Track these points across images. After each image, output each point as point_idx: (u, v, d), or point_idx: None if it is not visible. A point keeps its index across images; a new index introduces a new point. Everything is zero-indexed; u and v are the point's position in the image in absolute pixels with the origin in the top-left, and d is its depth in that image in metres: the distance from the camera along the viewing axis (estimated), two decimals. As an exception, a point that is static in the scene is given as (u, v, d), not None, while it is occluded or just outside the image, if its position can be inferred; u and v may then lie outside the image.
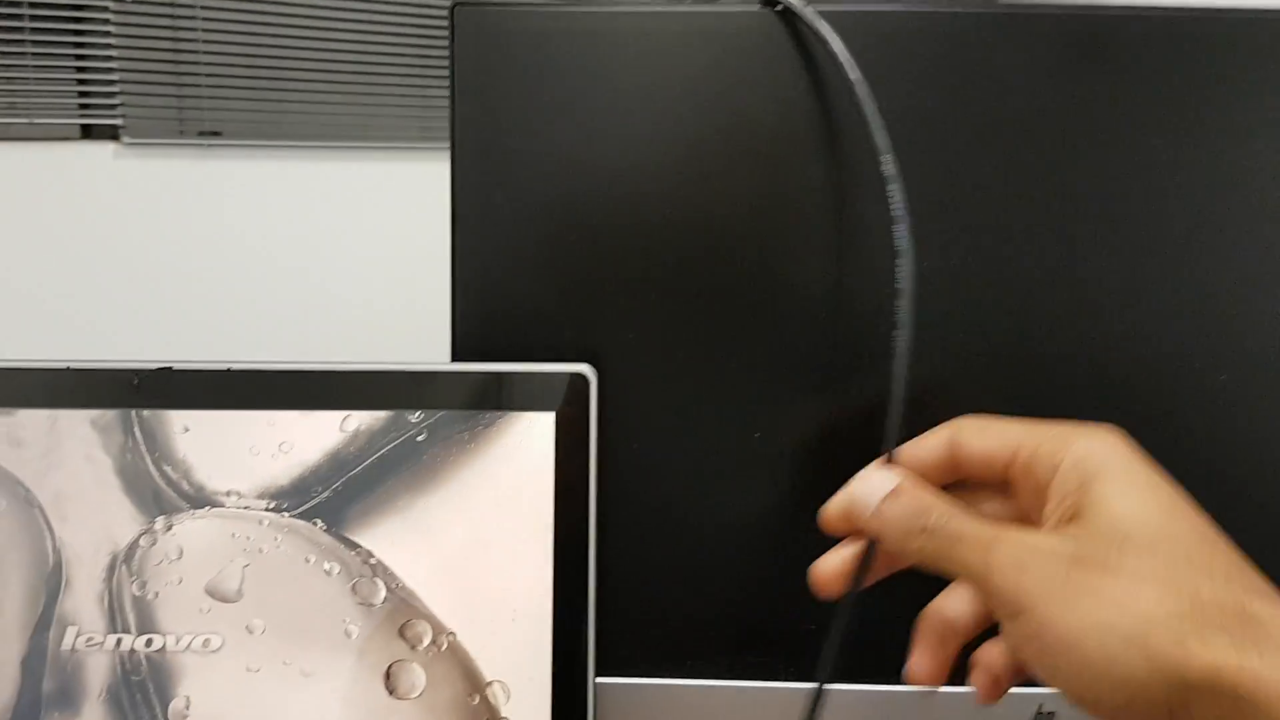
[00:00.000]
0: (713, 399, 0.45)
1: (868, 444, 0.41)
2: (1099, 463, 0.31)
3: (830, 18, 0.41)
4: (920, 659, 0.37)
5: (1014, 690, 0.44)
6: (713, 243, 0.44)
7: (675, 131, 0.44)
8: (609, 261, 0.45)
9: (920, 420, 0.36)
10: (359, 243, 2.30)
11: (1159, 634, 0.28)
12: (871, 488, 0.35)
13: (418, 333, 2.21)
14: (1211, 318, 0.44)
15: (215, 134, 2.17)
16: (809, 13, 0.41)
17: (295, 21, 2.22)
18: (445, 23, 2.04)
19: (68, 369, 0.41)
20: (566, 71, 0.44)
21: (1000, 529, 0.32)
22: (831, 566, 0.36)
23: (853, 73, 0.40)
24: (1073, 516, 0.31)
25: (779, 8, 0.42)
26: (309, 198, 2.27)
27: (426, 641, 0.41)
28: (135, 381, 0.41)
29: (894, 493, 0.34)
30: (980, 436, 0.35)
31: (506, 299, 0.45)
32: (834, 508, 0.36)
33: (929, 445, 0.36)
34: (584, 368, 0.43)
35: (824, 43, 0.41)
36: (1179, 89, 0.43)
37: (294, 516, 0.41)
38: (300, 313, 2.26)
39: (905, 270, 0.37)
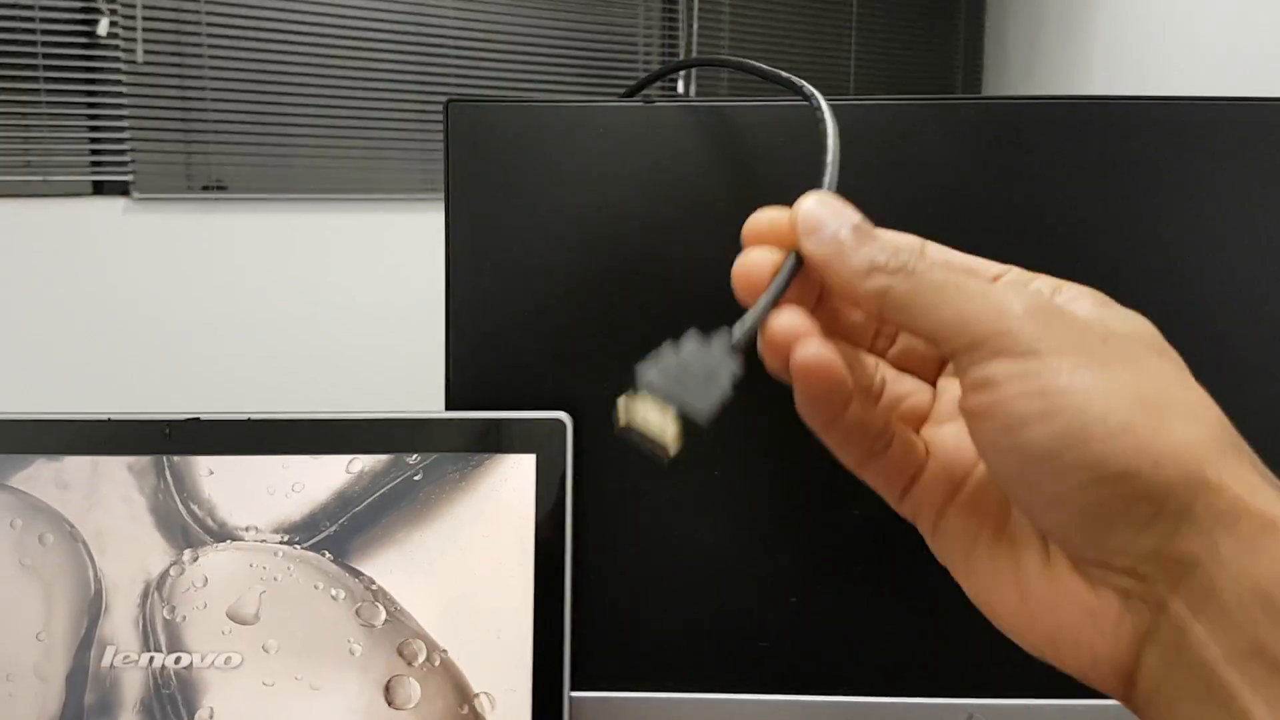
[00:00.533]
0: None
1: (815, 481, 0.46)
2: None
3: (773, 110, 0.47)
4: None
5: (944, 700, 0.50)
6: (676, 302, 0.50)
7: (641, 207, 0.49)
8: (585, 321, 0.50)
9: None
10: (363, 289, 2.35)
11: (1204, 429, 0.25)
12: (831, 209, 0.29)
13: (419, 373, 2.26)
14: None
15: (221, 187, 2.24)
16: (730, 58, 0.47)
17: (299, 77, 2.30)
18: (444, 75, 2.09)
19: (108, 420, 0.47)
20: (547, 157, 0.49)
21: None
22: (756, 264, 0.31)
23: (786, 74, 0.43)
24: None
25: (713, 64, 0.49)
26: (314, 247, 2.32)
27: (421, 658, 0.46)
28: (167, 431, 0.47)
29: (859, 225, 0.29)
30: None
31: (495, 355, 0.50)
32: (764, 220, 0.31)
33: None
34: (561, 415, 0.48)
35: (749, 69, 0.45)
36: (1082, 167, 0.49)
37: (305, 548, 0.46)
38: (306, 357, 2.31)
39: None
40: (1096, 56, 2.63)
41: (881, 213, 0.49)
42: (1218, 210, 0.48)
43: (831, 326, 0.32)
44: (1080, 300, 0.29)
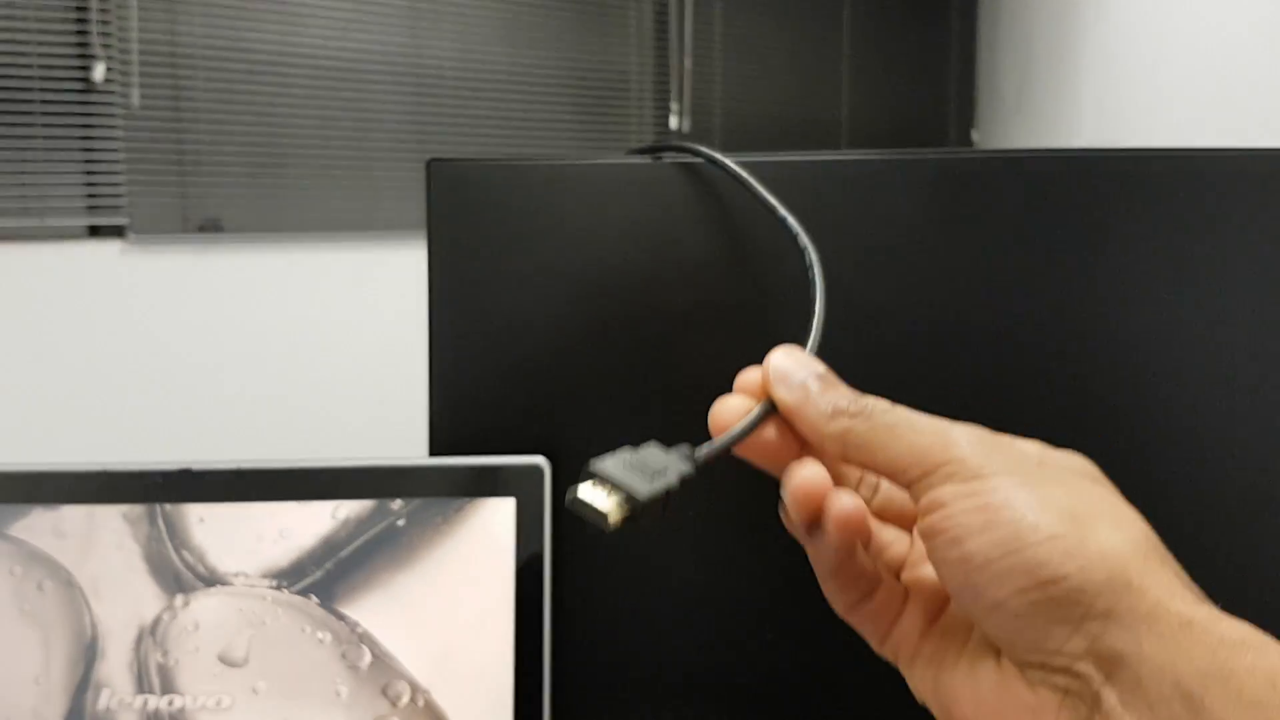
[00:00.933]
0: (653, 485, 0.52)
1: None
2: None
3: (747, 167, 0.49)
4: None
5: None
6: (651, 350, 0.52)
7: (616, 259, 0.51)
8: (563, 369, 0.52)
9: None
10: (361, 324, 2.37)
11: (1127, 537, 0.28)
12: (798, 362, 0.34)
13: (417, 412, 2.27)
14: (1077, 431, 0.52)
15: (218, 228, 2.27)
16: (730, 164, 0.49)
17: (295, 116, 2.33)
18: (439, 110, 2.12)
19: (103, 471, 0.49)
20: (525, 213, 0.51)
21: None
22: (730, 408, 0.35)
23: (768, 197, 0.46)
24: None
25: (703, 159, 0.51)
26: (311, 284, 2.34)
27: (405, 699, 0.48)
28: (159, 481, 0.49)
29: (824, 375, 0.33)
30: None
31: (476, 402, 0.52)
32: (750, 375, 0.35)
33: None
34: (539, 459, 0.50)
35: (739, 186, 0.48)
36: (1029, 217, 0.51)
37: (292, 593, 0.48)
38: (306, 394, 2.32)
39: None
40: (1085, 91, 2.67)
41: (855, 267, 0.51)
42: (1190, 260, 0.50)
43: None
44: (1026, 442, 0.33)
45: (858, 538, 0.33)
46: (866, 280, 0.51)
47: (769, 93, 2.97)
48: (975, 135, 3.23)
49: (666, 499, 0.33)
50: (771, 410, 0.34)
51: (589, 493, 0.33)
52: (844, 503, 0.32)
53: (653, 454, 0.34)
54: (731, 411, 0.35)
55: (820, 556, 0.34)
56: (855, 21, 3.05)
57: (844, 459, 0.33)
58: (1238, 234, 0.50)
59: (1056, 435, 0.50)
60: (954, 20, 3.18)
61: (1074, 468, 0.32)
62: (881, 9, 3.09)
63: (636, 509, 0.32)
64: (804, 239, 0.43)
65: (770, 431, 0.35)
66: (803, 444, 0.35)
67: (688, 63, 2.82)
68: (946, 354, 0.51)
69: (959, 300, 0.51)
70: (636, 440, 0.52)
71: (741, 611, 0.52)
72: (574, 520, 0.52)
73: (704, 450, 0.35)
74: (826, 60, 3.03)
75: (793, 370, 0.34)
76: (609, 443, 0.52)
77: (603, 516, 0.32)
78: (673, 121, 2.83)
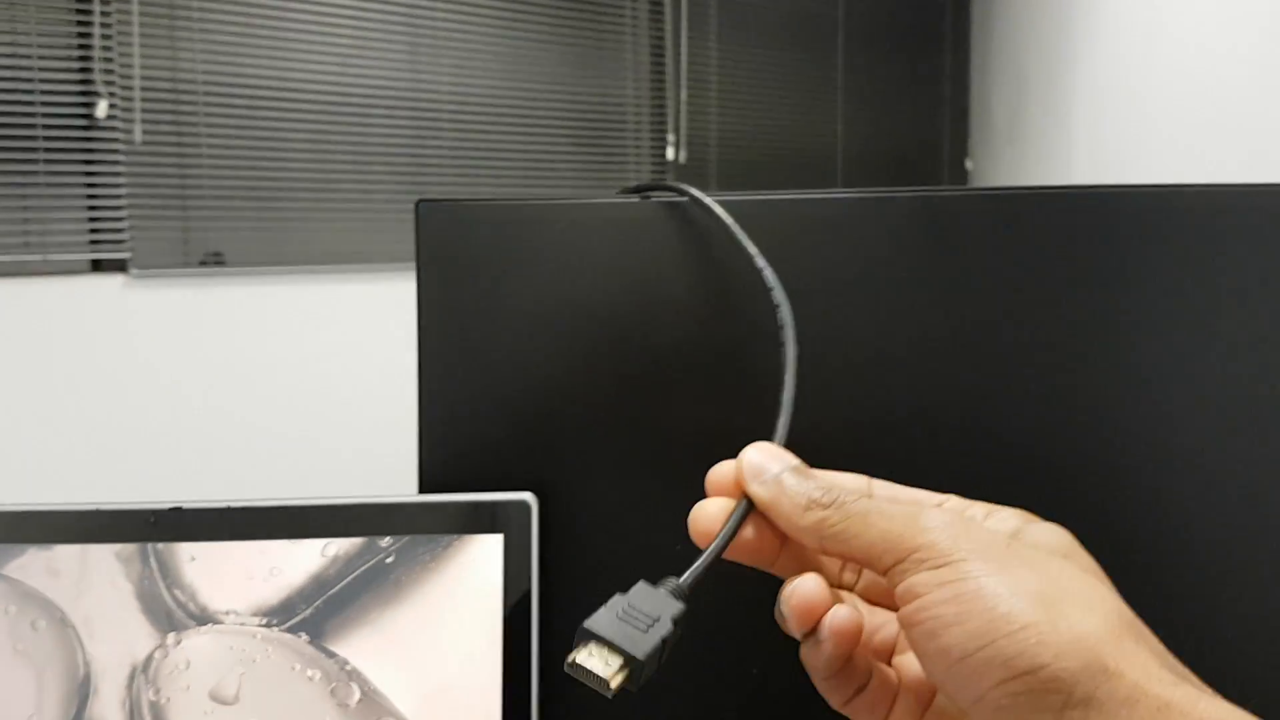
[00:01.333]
0: (640, 517, 0.53)
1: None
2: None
3: (728, 206, 0.50)
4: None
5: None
6: (640, 388, 0.52)
7: (604, 298, 0.52)
8: (551, 405, 0.53)
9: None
10: (364, 356, 2.38)
11: (1099, 620, 0.28)
12: (770, 455, 0.34)
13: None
14: (1038, 468, 0.52)
15: (219, 261, 2.28)
16: (712, 203, 0.50)
17: (295, 148, 2.35)
18: (438, 145, 2.14)
19: (97, 510, 0.49)
20: (514, 253, 0.52)
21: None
22: (708, 515, 0.35)
23: (751, 248, 0.47)
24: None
25: (686, 198, 0.52)
26: (312, 318, 2.35)
27: (395, 735, 0.48)
28: (152, 519, 0.49)
29: (797, 467, 0.34)
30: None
31: (465, 439, 0.53)
32: (723, 471, 0.36)
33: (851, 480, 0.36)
34: (526, 496, 0.50)
35: (724, 225, 0.49)
36: (1017, 256, 0.52)
37: (282, 631, 0.49)
38: (310, 427, 2.33)
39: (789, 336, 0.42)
40: (1077, 120, 2.69)
41: (841, 305, 0.52)
42: (1180, 298, 0.51)
43: (800, 565, 0.36)
44: (1007, 520, 0.33)
45: (853, 647, 0.33)
46: (852, 318, 0.52)
47: (765, 124, 2.99)
48: (969, 165, 3.25)
49: (663, 647, 0.33)
50: (749, 509, 0.35)
51: (587, 659, 0.32)
52: (840, 616, 0.33)
53: (642, 595, 0.34)
54: (710, 518, 0.35)
55: (814, 661, 0.34)
56: (849, 53, 3.08)
57: (821, 550, 0.33)
58: (1229, 272, 0.50)
59: (1044, 477, 0.51)
60: (947, 51, 3.21)
61: (1046, 544, 0.32)
62: (875, 40, 3.12)
63: (636, 669, 0.32)
64: (779, 294, 0.43)
65: (749, 530, 0.35)
66: (783, 537, 0.35)
67: (684, 95, 2.85)
68: (932, 394, 0.52)
69: (946, 338, 0.51)
70: (624, 477, 0.52)
71: (730, 650, 0.52)
72: (561, 555, 0.53)
73: (690, 577, 0.35)
74: (821, 91, 3.06)
75: (766, 465, 0.34)
76: (599, 477, 0.53)
77: (604, 684, 0.32)
78: (669, 153, 2.85)
